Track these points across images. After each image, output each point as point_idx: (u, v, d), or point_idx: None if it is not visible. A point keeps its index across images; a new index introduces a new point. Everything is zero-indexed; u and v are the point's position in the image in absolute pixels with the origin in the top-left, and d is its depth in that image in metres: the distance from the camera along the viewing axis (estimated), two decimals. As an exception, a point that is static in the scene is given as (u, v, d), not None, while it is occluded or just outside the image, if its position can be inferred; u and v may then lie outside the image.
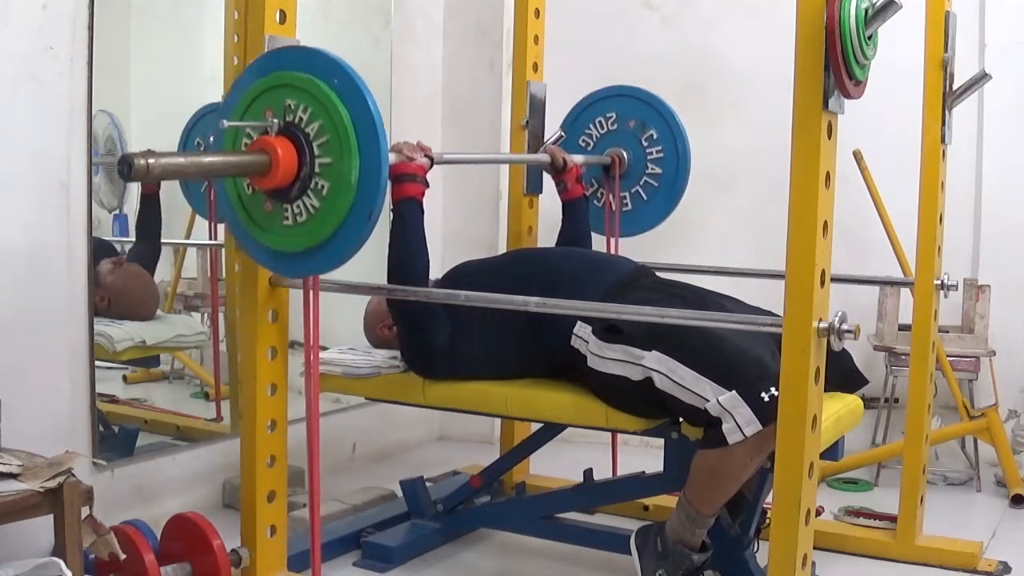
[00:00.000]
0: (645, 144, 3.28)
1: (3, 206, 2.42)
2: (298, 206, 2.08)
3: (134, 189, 3.31)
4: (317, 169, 2.04)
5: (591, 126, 3.35)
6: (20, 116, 2.44)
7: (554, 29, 3.31)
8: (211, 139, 3.26)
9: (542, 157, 3.09)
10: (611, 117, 3.32)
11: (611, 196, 3.29)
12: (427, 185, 2.56)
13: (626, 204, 3.32)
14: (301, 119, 2.04)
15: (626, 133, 3.30)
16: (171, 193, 3.38)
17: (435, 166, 2.64)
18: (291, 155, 2.04)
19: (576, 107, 3.39)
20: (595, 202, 3.32)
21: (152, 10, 3.37)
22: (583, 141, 3.35)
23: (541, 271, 2.66)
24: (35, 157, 2.49)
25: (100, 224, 3.15)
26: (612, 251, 3.27)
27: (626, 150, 3.30)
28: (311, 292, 2.22)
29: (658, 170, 3.28)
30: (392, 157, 2.41)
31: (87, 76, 2.66)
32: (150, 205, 3.30)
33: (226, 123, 2.10)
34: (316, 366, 2.25)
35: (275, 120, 2.06)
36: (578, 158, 3.15)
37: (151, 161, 1.84)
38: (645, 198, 3.31)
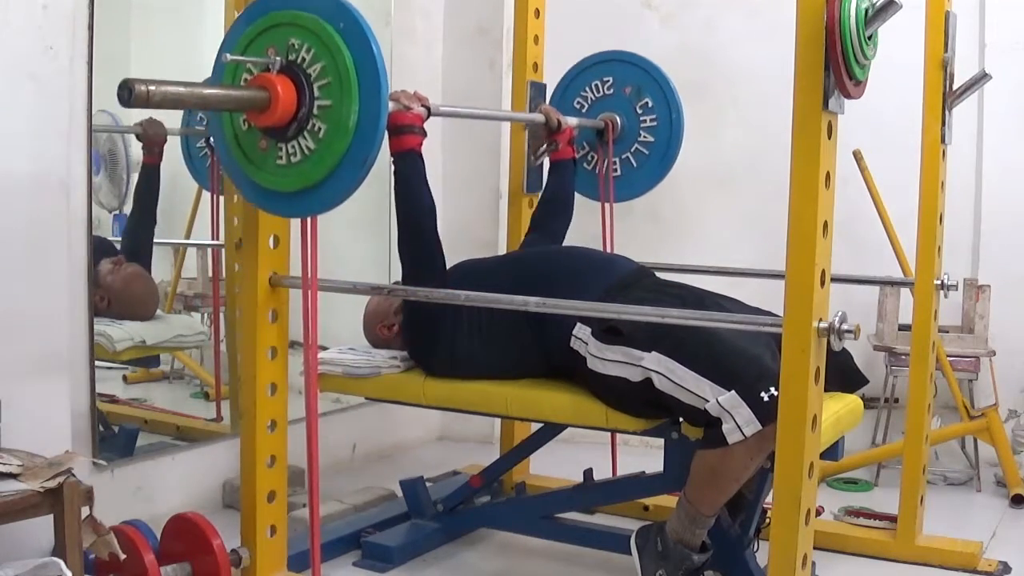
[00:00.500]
0: (639, 112, 3.27)
1: (3, 205, 2.42)
2: (293, 146, 2.06)
3: (133, 188, 3.32)
4: (315, 111, 2.02)
5: (587, 89, 3.33)
6: (20, 116, 2.44)
7: (554, 29, 3.31)
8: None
9: (536, 116, 3.09)
10: (607, 82, 3.31)
11: (603, 160, 3.28)
12: (425, 135, 2.57)
13: (616, 170, 3.31)
14: (304, 59, 2.02)
15: (621, 99, 3.29)
16: (172, 194, 3.38)
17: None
18: (291, 93, 2.02)
19: (573, 69, 3.37)
20: (585, 166, 3.32)
21: (152, 9, 3.37)
22: (578, 103, 3.34)
23: (541, 271, 2.66)
24: (35, 157, 2.48)
25: (100, 224, 3.15)
26: (604, 216, 3.27)
27: (620, 115, 3.29)
28: (310, 291, 2.21)
29: (650, 138, 3.27)
30: (389, 106, 2.40)
31: (87, 76, 2.67)
32: (150, 175, 3.29)
33: (229, 56, 2.08)
34: (315, 363, 2.25)
35: (277, 58, 2.04)
36: (572, 120, 3.14)
37: (152, 88, 1.84)
38: (635, 165, 3.30)
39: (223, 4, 3.21)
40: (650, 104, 3.27)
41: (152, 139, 3.23)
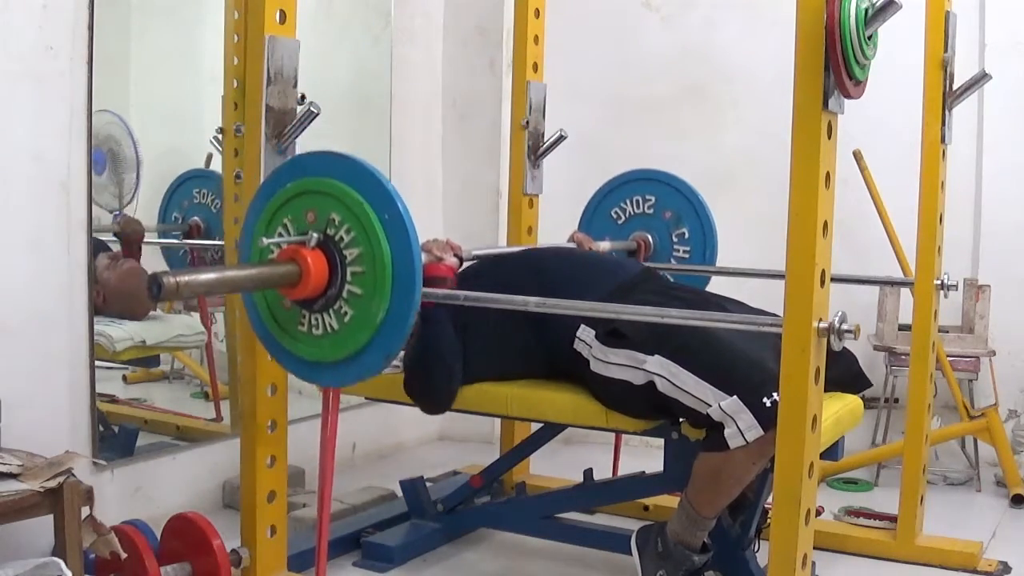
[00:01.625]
0: (675, 240, 3.28)
1: (3, 206, 2.42)
2: (316, 319, 2.06)
3: (132, 189, 3.31)
4: (345, 294, 2.02)
5: (626, 202, 3.34)
6: (20, 116, 2.44)
7: (554, 29, 3.31)
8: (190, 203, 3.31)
9: (569, 246, 3.09)
10: (649, 201, 3.31)
11: None
12: (456, 285, 2.56)
13: None
14: (342, 239, 2.00)
15: (659, 221, 3.30)
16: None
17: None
18: (323, 270, 2.01)
19: (616, 179, 3.36)
20: None
21: (152, 10, 3.37)
22: (615, 213, 3.35)
23: (545, 272, 2.65)
24: (35, 157, 2.49)
25: (100, 224, 3.14)
26: None
27: (653, 236, 3.29)
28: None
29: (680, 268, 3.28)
30: (422, 257, 2.40)
31: (87, 76, 2.66)
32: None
33: (265, 241, 2.06)
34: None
35: (315, 235, 2.01)
36: (604, 245, 3.15)
37: (180, 280, 1.82)
38: None
39: (223, 4, 3.22)
40: (686, 235, 3.27)
41: (130, 236, 3.21)
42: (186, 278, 1.83)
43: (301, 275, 2.00)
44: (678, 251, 3.28)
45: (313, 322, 2.06)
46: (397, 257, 1.96)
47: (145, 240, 3.32)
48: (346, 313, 2.02)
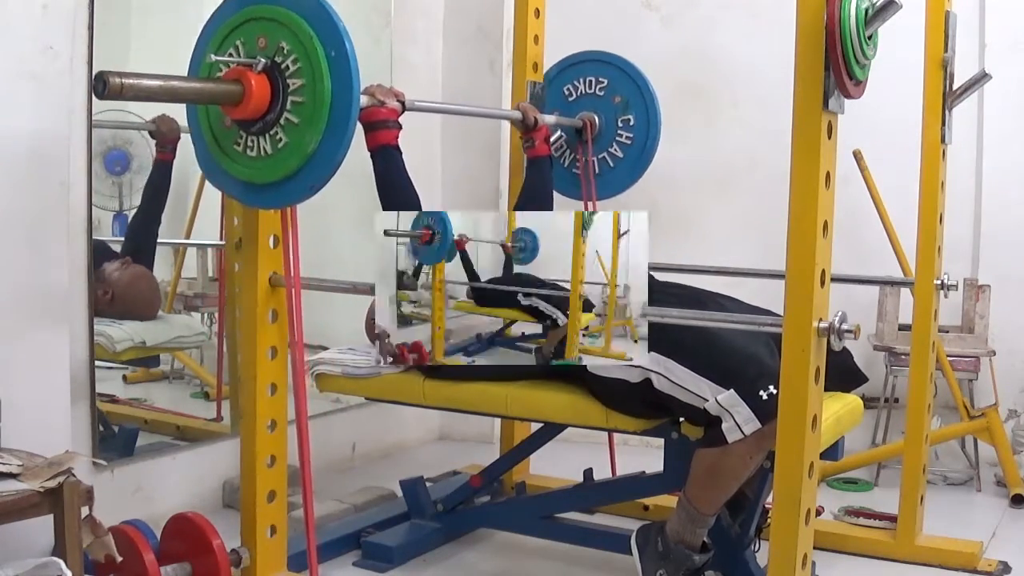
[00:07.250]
0: (620, 125, 3.26)
1: (3, 206, 2.42)
2: (252, 140, 2.09)
3: (131, 189, 3.31)
4: (282, 121, 2.05)
5: (580, 80, 3.31)
6: (20, 116, 2.44)
7: (554, 29, 3.31)
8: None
9: (513, 113, 3.07)
10: (603, 83, 3.28)
11: (577, 158, 3.26)
12: (400, 127, 2.55)
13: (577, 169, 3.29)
14: (287, 68, 2.03)
15: (608, 104, 3.27)
16: (174, 192, 3.38)
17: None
18: (264, 96, 2.04)
19: (577, 55, 3.33)
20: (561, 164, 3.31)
21: (152, 10, 3.37)
22: (567, 90, 3.32)
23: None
24: (35, 157, 2.48)
25: (100, 224, 3.15)
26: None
27: (600, 117, 3.26)
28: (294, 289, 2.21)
29: (620, 154, 3.26)
30: (364, 100, 2.39)
31: (87, 76, 2.67)
32: (162, 172, 3.29)
33: (213, 57, 2.10)
34: (301, 359, 2.24)
35: (263, 60, 2.05)
36: (549, 119, 3.12)
37: (125, 82, 1.87)
38: (598, 171, 3.29)
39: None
40: (632, 122, 3.24)
41: (165, 136, 3.23)
42: (131, 80, 1.87)
43: (243, 95, 2.03)
44: (621, 136, 3.25)
45: (249, 143, 2.10)
46: (337, 94, 1.98)
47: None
48: (280, 139, 2.05)
